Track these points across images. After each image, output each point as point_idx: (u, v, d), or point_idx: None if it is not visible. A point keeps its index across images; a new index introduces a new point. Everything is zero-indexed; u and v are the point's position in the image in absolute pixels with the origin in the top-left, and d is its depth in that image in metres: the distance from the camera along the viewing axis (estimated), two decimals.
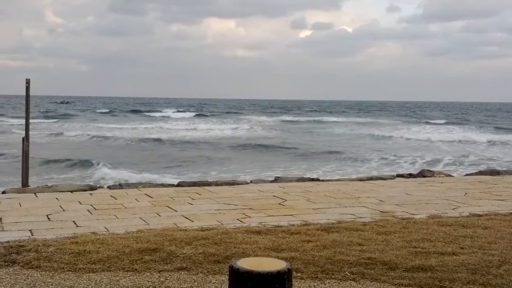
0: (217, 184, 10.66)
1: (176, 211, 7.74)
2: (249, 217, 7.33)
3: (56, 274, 4.76)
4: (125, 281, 4.59)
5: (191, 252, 5.33)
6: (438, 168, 18.49)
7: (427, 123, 55.83)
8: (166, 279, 4.63)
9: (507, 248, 5.59)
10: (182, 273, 4.79)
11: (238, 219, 7.15)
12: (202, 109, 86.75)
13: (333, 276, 4.71)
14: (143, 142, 30.16)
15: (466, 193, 9.56)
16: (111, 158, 21.01)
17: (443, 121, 58.87)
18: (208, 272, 4.82)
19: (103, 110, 75.05)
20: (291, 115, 69.42)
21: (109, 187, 10.23)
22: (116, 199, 8.72)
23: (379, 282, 4.59)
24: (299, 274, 4.69)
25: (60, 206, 8.04)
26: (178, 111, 72.95)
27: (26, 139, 10.10)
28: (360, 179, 11.83)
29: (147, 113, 69.68)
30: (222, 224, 6.84)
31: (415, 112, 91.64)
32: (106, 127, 42.09)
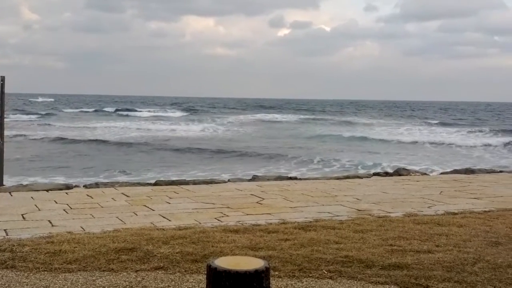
0: (194, 182, 10.62)
1: (153, 210, 7.70)
2: (227, 216, 7.33)
3: (31, 274, 4.70)
4: (101, 281, 4.55)
5: (169, 252, 5.30)
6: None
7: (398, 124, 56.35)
8: (143, 279, 4.60)
9: (482, 246, 5.67)
10: (159, 272, 4.77)
11: (215, 218, 7.15)
12: (179, 107, 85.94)
13: (310, 275, 4.73)
14: (76, 143, 27.89)
15: (441, 192, 9.67)
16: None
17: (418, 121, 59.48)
18: (185, 271, 4.80)
19: (69, 110, 71.80)
20: (263, 114, 68.78)
21: (85, 186, 10.13)
22: (92, 198, 8.65)
23: (356, 280, 4.62)
24: (276, 273, 4.70)
25: (35, 205, 7.94)
26: (149, 111, 70.53)
27: (0, 137, 9.95)
28: (337, 178, 11.90)
29: (118, 112, 67.72)
30: (199, 223, 6.82)
31: (394, 111, 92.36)
32: (56, 126, 40.55)
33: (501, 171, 13.70)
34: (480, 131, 43.30)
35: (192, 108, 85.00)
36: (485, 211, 7.73)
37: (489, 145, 31.67)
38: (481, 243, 5.80)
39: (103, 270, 4.81)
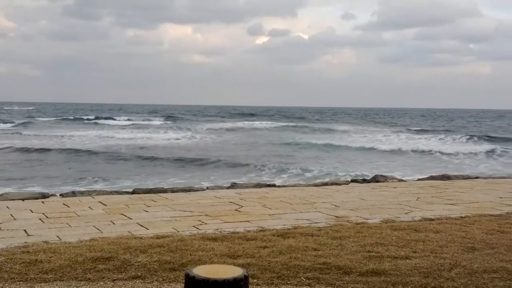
0: (173, 191, 10.58)
1: (130, 218, 7.64)
2: (205, 223, 7.30)
3: (6, 284, 4.62)
4: None
5: (146, 260, 5.27)
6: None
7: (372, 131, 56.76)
8: None
9: (458, 252, 5.73)
10: (137, 281, 4.73)
11: (194, 226, 7.12)
12: (157, 115, 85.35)
13: (288, 282, 4.73)
14: (48, 152, 27.00)
15: (418, 198, 9.76)
16: None
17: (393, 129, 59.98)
18: (163, 280, 4.77)
19: (45, 118, 69.73)
20: (243, 121, 68.56)
21: (61, 195, 10.02)
22: (68, 207, 8.55)
23: (334, 286, 4.64)
24: (255, 280, 4.69)
25: (11, 214, 7.83)
26: (128, 119, 69.31)
27: None
28: (315, 185, 11.95)
29: (96, 120, 66.36)
30: (177, 231, 6.79)
31: (372, 118, 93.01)
32: (25, 135, 39.66)
33: (476, 177, 13.88)
34: (458, 137, 43.87)
35: (171, 115, 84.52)
36: (461, 217, 7.82)
37: (469, 152, 32.05)
38: (457, 248, 5.86)
39: (80, 280, 4.75)
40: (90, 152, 27.53)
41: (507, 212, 8.23)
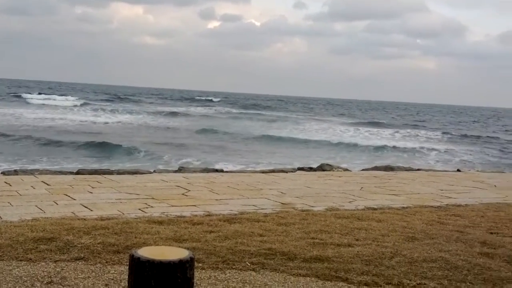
0: (119, 173, 10.43)
1: (74, 199, 7.49)
2: (151, 207, 7.24)
3: None
4: (18, 270, 4.39)
5: (90, 242, 5.19)
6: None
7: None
8: (63, 269, 4.48)
9: (399, 241, 5.89)
10: (80, 263, 4.66)
11: (139, 209, 7.05)
12: (97, 96, 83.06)
13: (233, 267, 4.76)
14: None
15: (362, 187, 9.97)
16: None
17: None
18: (106, 262, 4.71)
19: None
20: (187, 106, 67.60)
21: (3, 173, 9.72)
22: (10, 185, 8.31)
23: (278, 272, 4.70)
24: (200, 265, 4.70)
25: None
26: (68, 99, 66.36)
27: None
28: (263, 172, 12.02)
29: (28, 99, 63.58)
30: (123, 213, 6.71)
31: (322, 109, 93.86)
32: None
33: (418, 169, 14.26)
34: (409, 132, 45.02)
35: (116, 96, 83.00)
36: (403, 207, 8.03)
37: (420, 146, 32.93)
38: (398, 238, 6.03)
39: (21, 260, 4.64)
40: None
41: (447, 204, 8.51)
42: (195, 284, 3.15)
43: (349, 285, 4.49)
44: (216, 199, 8.02)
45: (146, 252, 2.96)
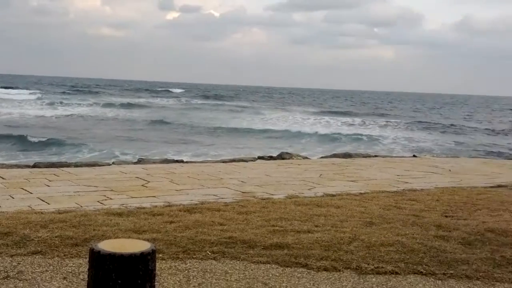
0: (76, 165, 10.27)
1: (31, 193, 7.35)
2: (110, 199, 7.17)
3: None
4: None
5: (47, 236, 5.11)
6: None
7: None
8: (19, 264, 4.40)
9: (357, 226, 5.99)
10: (37, 257, 4.58)
11: (98, 201, 6.96)
12: (53, 88, 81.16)
13: (194, 256, 4.77)
14: None
15: (321, 175, 10.08)
16: None
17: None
18: (65, 255, 4.65)
19: None
20: (141, 97, 66.41)
21: None
22: None
23: (238, 260, 4.72)
24: (160, 255, 4.68)
25: None
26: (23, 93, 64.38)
27: None
28: (223, 161, 12.02)
29: None
30: (81, 206, 6.62)
31: (285, 98, 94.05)
32: None
33: (376, 156, 14.51)
34: (360, 118, 45.62)
35: (74, 88, 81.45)
36: (360, 193, 8.17)
37: (374, 133, 33.43)
38: (356, 223, 6.13)
39: None
40: None
41: (403, 189, 8.69)
42: (156, 275, 3.14)
43: (308, 270, 4.56)
44: (177, 190, 7.99)
45: (107, 246, 2.92)
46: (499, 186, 9.38)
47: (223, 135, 29.37)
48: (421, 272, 4.61)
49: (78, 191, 7.61)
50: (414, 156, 15.17)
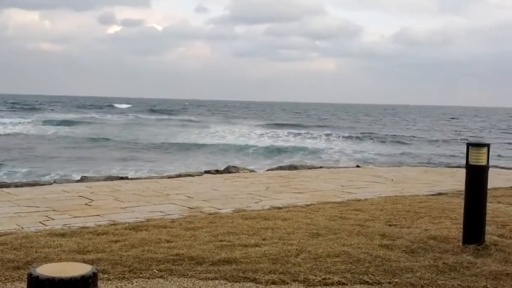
0: (16, 185, 9.96)
1: None
2: (53, 219, 6.98)
3: None
4: None
5: None
6: None
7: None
8: None
9: (304, 238, 6.05)
10: None
11: (40, 222, 6.77)
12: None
13: (141, 275, 4.69)
14: None
15: (267, 187, 10.13)
16: None
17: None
18: (6, 279, 4.49)
19: None
20: (80, 114, 65.06)
21: None
22: None
23: (186, 277, 4.68)
24: (105, 276, 4.59)
25: None
26: None
27: None
28: (169, 177, 11.92)
29: None
30: (22, 227, 6.42)
31: (230, 111, 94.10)
32: None
33: (321, 167, 14.71)
34: (305, 130, 46.18)
35: (9, 105, 79.05)
36: (306, 205, 8.25)
37: (319, 145, 33.85)
38: (303, 235, 6.18)
39: None
40: None
41: (348, 199, 8.83)
42: None
43: (257, 285, 4.56)
44: (122, 207, 7.86)
45: (46, 270, 2.84)
46: (439, 194, 9.68)
47: (170, 150, 29.13)
48: (367, 281, 4.68)
49: (18, 212, 7.37)
50: (357, 166, 15.47)
